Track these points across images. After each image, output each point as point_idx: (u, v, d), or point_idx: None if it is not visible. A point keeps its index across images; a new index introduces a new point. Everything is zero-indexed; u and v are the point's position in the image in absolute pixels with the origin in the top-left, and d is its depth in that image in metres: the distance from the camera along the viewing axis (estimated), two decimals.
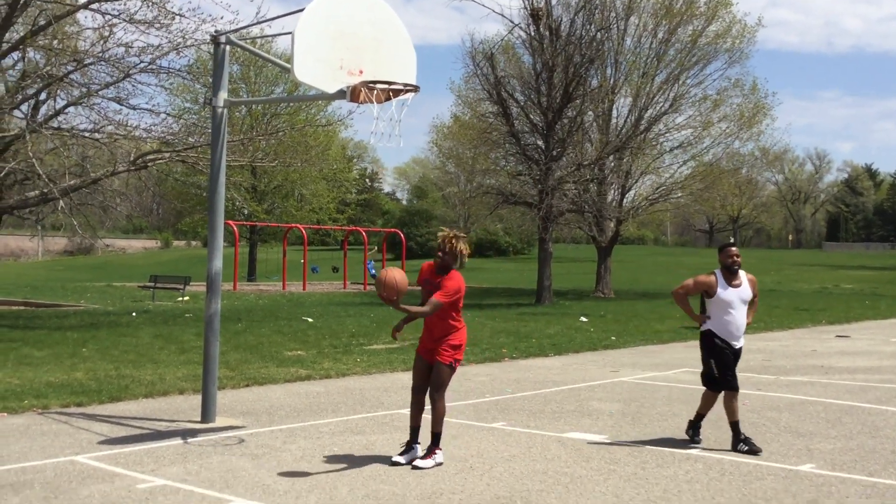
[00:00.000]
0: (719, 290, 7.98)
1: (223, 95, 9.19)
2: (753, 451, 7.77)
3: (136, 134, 18.23)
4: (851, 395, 11.05)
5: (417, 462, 7.22)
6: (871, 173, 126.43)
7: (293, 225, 47.31)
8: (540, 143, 29.84)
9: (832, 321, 22.82)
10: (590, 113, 33.46)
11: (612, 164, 33.61)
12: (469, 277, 49.89)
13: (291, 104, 43.98)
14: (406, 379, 11.92)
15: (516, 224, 42.21)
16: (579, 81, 29.48)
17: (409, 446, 7.43)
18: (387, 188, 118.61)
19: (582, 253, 67.90)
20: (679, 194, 37.10)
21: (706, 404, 8.26)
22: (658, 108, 34.44)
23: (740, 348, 8.13)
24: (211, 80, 10.48)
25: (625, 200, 35.64)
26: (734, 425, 8.00)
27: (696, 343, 18.55)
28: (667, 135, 35.61)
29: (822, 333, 19.73)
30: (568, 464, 7.44)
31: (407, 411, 7.69)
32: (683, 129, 35.48)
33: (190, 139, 18.90)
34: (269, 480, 6.74)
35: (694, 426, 8.30)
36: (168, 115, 19.74)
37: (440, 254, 7.28)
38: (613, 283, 36.19)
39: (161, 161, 18.92)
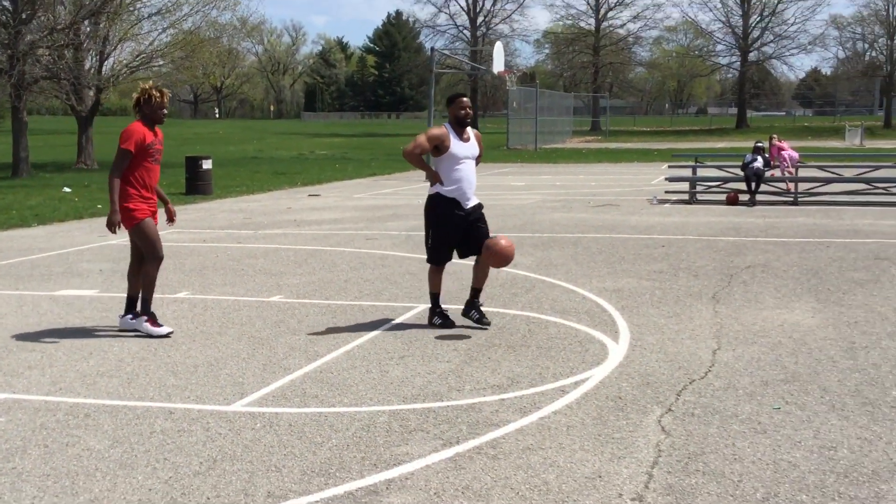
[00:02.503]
0: (452, 144, 7.22)
1: None
2: (482, 322, 7.34)
3: None
4: (317, 241, 12.73)
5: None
6: (342, 46, 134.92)
7: None
8: (7, 3, 27.57)
9: (307, 182, 24.98)
10: None
11: (88, 29, 32.22)
12: None
13: None
14: None
15: None
16: None
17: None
18: None
19: (61, 125, 64.17)
20: (161, 62, 36.78)
21: (432, 282, 7.53)
22: None
23: (475, 207, 7.38)
24: None
25: (104, 68, 34.49)
26: (473, 292, 7.47)
27: (183, 206, 19.28)
28: (145, 0, 34.85)
29: (298, 193, 21.67)
30: (61, 315, 7.90)
31: None
32: None
33: None
34: None
35: (433, 310, 7.50)
36: None
37: (164, 111, 7.08)
38: (98, 155, 35.21)
39: None
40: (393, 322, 7.56)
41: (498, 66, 27.88)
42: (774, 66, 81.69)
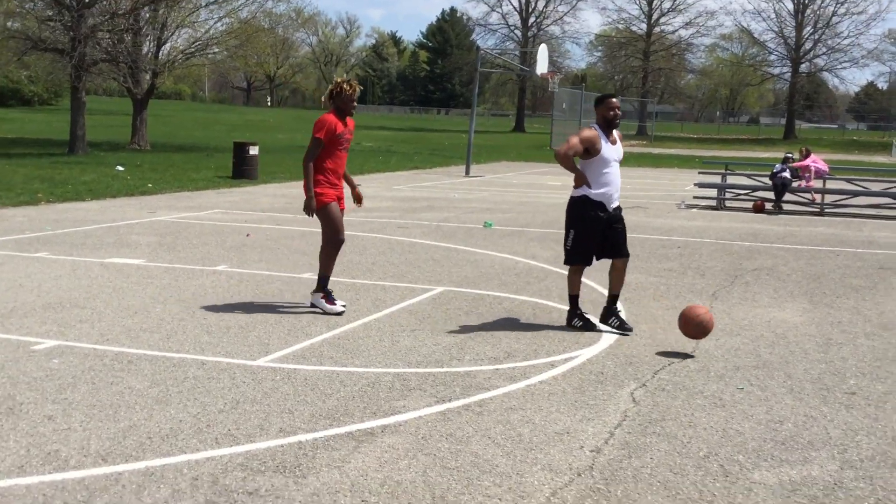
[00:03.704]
0: (603, 147, 7.12)
1: None
2: (624, 329, 7.22)
3: None
4: (351, 228, 13.38)
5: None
6: (395, 40, 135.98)
7: None
8: None
9: (349, 173, 25.68)
10: None
11: (148, 15, 33.35)
12: None
13: None
14: None
15: (45, 72, 40.03)
16: None
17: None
18: None
19: (116, 106, 65.87)
20: (216, 50, 37.87)
21: (572, 284, 7.46)
22: None
23: (616, 208, 7.34)
24: None
25: (161, 53, 35.64)
26: (611, 299, 7.39)
27: (229, 189, 20.14)
28: None
29: None
30: (110, 279, 8.69)
31: None
32: None
33: None
34: None
35: (574, 312, 7.41)
36: None
37: (354, 104, 7.51)
38: (151, 137, 36.38)
39: None
40: (411, 301, 8.22)
41: (541, 67, 28.43)
42: (826, 78, 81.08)
